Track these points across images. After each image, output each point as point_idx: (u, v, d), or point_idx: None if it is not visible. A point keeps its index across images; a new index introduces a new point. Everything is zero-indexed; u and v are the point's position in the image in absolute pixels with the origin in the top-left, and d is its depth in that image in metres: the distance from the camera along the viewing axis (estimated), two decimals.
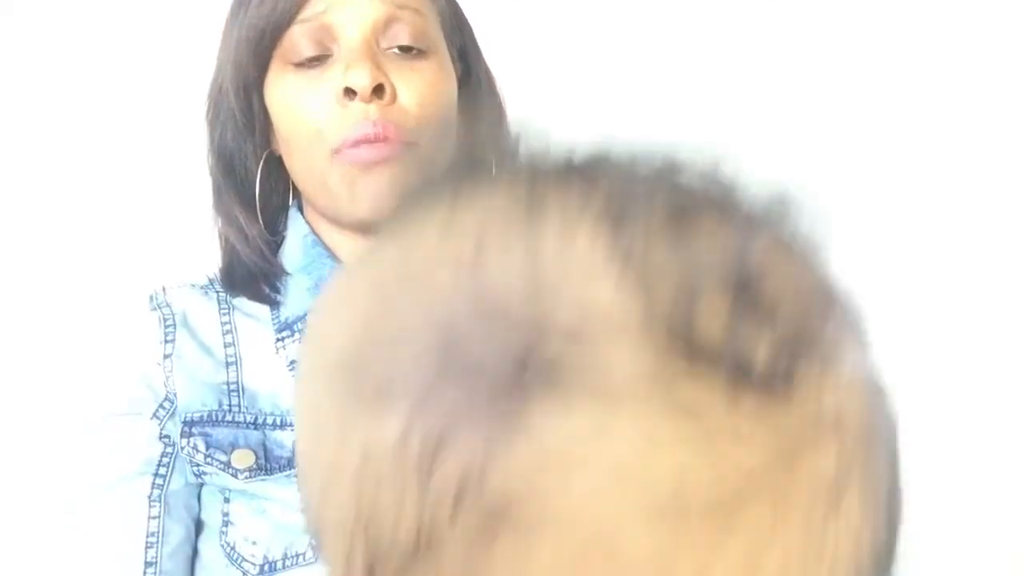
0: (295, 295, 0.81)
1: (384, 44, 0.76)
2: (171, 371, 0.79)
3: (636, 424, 0.25)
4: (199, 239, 0.89)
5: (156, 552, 0.75)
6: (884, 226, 1.36)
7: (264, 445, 0.77)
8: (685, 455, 0.25)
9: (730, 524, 0.25)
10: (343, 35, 0.76)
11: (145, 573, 0.75)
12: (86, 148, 1.27)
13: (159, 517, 0.76)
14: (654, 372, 0.25)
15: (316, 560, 0.72)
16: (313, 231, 0.82)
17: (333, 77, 0.75)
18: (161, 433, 0.78)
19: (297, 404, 0.32)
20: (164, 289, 0.83)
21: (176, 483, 0.78)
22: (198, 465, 0.77)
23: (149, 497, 0.77)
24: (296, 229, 0.83)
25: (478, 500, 0.26)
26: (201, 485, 0.79)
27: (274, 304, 0.82)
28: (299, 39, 0.76)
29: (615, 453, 0.25)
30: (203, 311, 0.82)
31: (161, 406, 0.78)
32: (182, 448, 0.77)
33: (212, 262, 0.87)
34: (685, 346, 0.25)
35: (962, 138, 1.35)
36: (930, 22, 1.35)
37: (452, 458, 0.26)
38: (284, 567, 0.75)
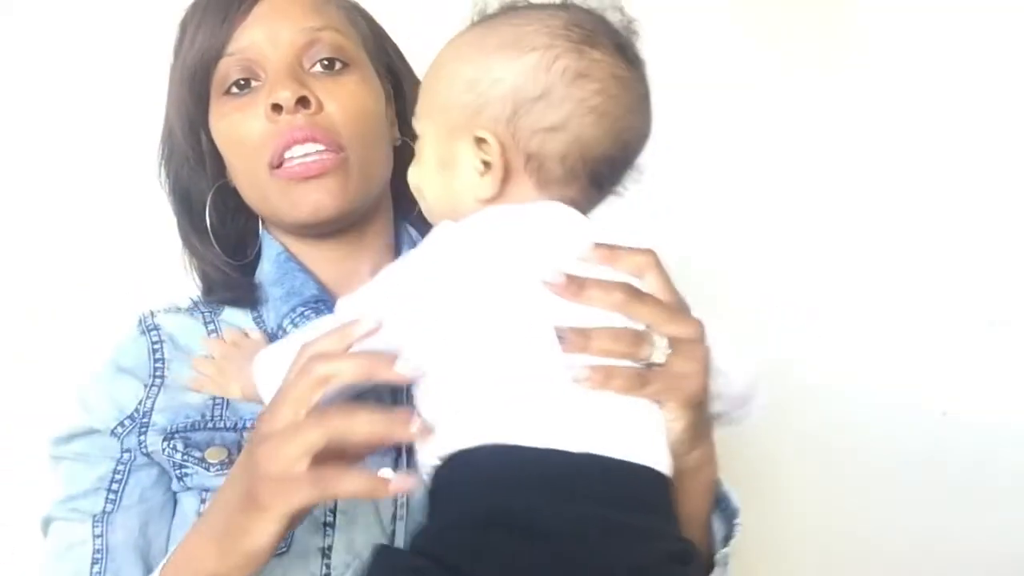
0: (273, 305, 0.87)
1: (308, 63, 0.84)
2: (157, 392, 0.83)
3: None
4: (179, 258, 0.93)
5: (101, 567, 0.78)
6: (882, 226, 1.36)
7: (239, 444, 0.79)
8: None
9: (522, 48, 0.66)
10: (268, 63, 0.83)
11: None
12: (81, 152, 1.27)
13: (103, 536, 0.79)
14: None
15: (287, 550, 0.74)
16: (286, 249, 0.88)
17: (262, 99, 0.82)
18: (122, 448, 0.81)
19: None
20: (152, 312, 0.89)
21: (129, 499, 0.80)
22: (177, 465, 0.79)
23: (94, 516, 0.80)
24: (269, 248, 0.89)
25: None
26: (178, 493, 0.81)
27: (257, 314, 0.88)
28: (229, 70, 0.84)
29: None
30: (190, 332, 0.87)
31: (121, 423, 0.82)
32: (162, 450, 0.80)
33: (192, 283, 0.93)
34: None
35: (959, 140, 1.36)
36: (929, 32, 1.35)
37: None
38: None
